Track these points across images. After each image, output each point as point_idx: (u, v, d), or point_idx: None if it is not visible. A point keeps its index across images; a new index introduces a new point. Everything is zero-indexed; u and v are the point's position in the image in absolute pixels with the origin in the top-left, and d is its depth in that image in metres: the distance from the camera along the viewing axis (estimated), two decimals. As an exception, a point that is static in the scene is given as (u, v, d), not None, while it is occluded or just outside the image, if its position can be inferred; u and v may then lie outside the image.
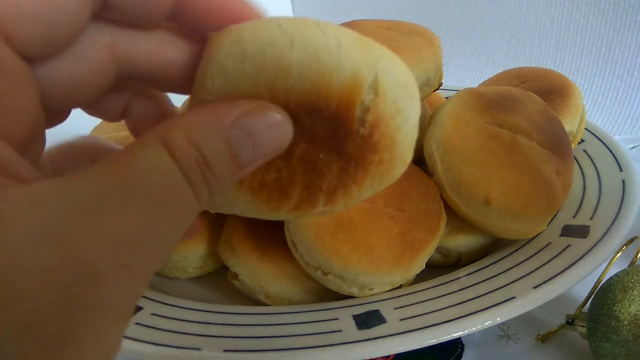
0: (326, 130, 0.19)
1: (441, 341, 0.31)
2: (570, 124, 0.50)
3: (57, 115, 0.19)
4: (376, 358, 0.35)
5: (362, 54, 0.18)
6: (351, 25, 0.46)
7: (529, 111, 0.43)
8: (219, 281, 0.44)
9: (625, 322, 0.32)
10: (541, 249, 0.38)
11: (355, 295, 0.37)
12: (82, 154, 0.21)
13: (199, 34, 0.19)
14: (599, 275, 0.36)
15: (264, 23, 0.17)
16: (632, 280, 0.33)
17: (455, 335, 0.31)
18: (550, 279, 0.34)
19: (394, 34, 0.44)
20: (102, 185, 0.14)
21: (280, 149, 0.18)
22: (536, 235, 0.41)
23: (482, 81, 0.62)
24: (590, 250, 0.36)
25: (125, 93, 0.21)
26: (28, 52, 0.16)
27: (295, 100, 0.18)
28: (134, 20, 0.18)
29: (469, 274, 0.38)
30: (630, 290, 0.33)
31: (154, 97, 0.22)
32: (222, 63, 0.17)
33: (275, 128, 0.17)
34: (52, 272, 0.13)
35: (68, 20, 0.16)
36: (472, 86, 0.49)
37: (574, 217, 0.41)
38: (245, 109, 0.17)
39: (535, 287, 0.33)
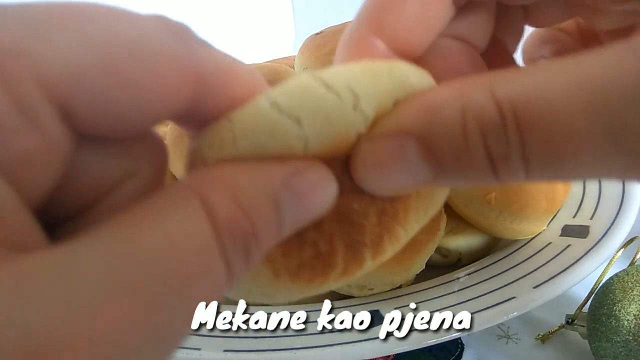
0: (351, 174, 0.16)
1: (441, 341, 0.31)
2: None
3: None
4: (376, 358, 0.35)
5: (377, 87, 0.15)
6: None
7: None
8: (219, 281, 0.44)
9: (625, 322, 0.32)
10: (541, 249, 0.38)
11: (355, 295, 0.37)
12: None
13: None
14: (599, 275, 0.36)
15: (257, 110, 0.14)
16: (632, 280, 0.33)
17: (455, 335, 0.31)
18: (550, 279, 0.34)
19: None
20: (113, 263, 0.11)
21: (321, 213, 0.15)
22: (536, 235, 0.41)
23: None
24: (590, 250, 0.36)
25: None
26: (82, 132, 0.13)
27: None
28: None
29: (469, 274, 0.37)
30: (630, 290, 0.33)
31: None
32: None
33: (323, 188, 0.15)
34: None
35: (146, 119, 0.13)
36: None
37: (574, 217, 0.41)
38: (295, 167, 0.14)
39: (535, 287, 0.33)
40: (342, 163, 0.16)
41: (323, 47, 0.43)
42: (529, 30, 0.24)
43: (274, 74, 0.40)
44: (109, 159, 0.14)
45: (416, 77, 0.16)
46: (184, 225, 0.12)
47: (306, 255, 0.16)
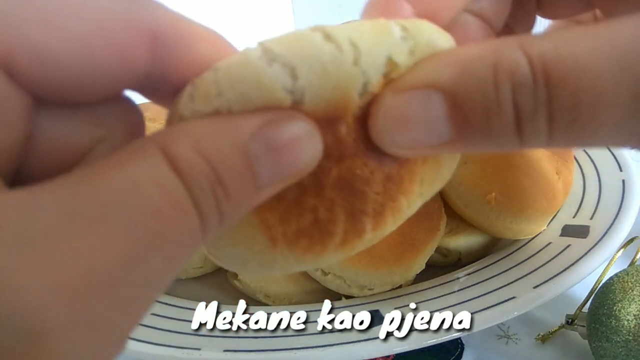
0: (356, 134, 0.15)
1: (441, 341, 0.31)
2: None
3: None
4: (376, 358, 0.35)
5: (384, 45, 0.14)
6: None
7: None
8: (219, 281, 0.44)
9: (625, 322, 0.32)
10: (541, 249, 0.38)
11: (355, 295, 0.37)
12: None
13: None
14: (599, 275, 0.36)
15: (246, 57, 0.14)
16: (632, 280, 0.33)
17: (456, 335, 0.31)
18: (550, 279, 0.34)
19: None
20: (74, 201, 0.11)
21: (306, 170, 0.14)
22: (536, 235, 0.41)
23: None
24: (590, 250, 0.36)
25: None
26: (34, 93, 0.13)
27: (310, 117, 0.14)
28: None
29: (469, 274, 0.38)
30: (630, 290, 0.33)
31: None
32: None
33: (303, 142, 0.14)
34: None
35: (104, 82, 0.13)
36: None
37: (574, 217, 0.41)
38: (268, 117, 0.14)
39: (535, 287, 0.33)
40: (347, 124, 0.15)
41: (323, 47, 0.43)
42: (544, 24, 0.24)
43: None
44: (76, 125, 0.14)
45: (441, 38, 0.16)
46: (145, 169, 0.12)
47: (305, 221, 0.16)
